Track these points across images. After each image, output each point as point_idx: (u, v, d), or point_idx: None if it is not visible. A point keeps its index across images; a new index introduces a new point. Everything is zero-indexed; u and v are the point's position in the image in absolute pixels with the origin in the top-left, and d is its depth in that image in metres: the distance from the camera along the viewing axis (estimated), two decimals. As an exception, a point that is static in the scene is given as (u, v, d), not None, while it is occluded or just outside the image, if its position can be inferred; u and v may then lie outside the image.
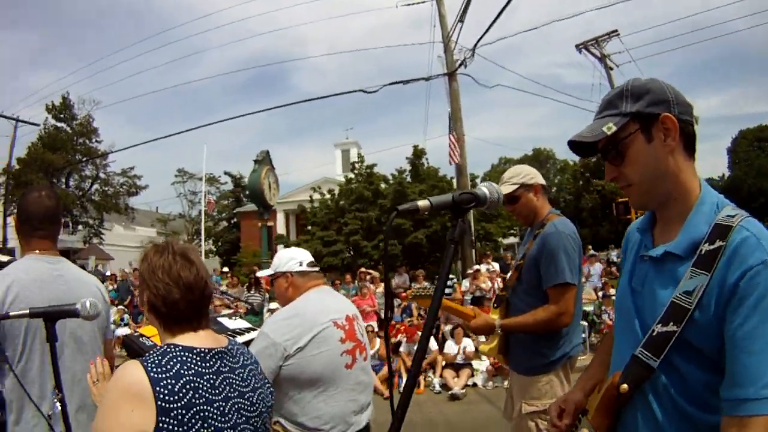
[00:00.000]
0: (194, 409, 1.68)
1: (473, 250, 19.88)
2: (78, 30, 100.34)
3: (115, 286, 19.65)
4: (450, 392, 9.97)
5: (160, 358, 1.72)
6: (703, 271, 1.46)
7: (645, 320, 1.61)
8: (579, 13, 30.28)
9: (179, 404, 1.65)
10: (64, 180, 39.86)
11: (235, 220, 47.60)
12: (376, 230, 24.77)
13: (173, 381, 1.67)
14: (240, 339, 3.73)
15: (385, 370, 10.69)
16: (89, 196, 41.08)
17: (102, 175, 42.21)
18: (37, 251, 2.89)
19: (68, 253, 30.94)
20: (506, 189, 3.46)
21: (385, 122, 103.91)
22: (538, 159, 63.26)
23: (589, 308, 12.95)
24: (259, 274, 3.75)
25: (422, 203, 1.54)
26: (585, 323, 12.39)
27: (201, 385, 1.74)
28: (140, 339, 3.26)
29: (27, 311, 2.21)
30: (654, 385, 1.55)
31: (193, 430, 1.67)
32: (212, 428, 1.72)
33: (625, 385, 1.59)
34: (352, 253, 24.98)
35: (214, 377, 1.81)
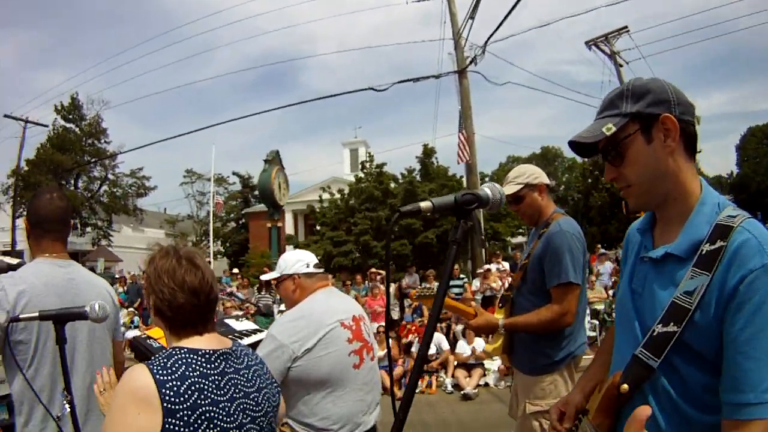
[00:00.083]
0: (200, 410, 1.71)
1: (483, 250, 19.80)
2: (86, 30, 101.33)
3: (125, 288, 19.69)
4: (462, 392, 10.00)
5: (165, 360, 1.76)
6: (703, 272, 1.46)
7: (645, 321, 1.61)
8: (591, 9, 30.11)
9: (185, 405, 1.68)
10: (72, 181, 39.97)
11: (244, 220, 47.84)
12: (386, 230, 24.81)
13: (179, 383, 1.71)
14: (247, 340, 3.80)
15: (398, 370, 10.74)
16: (98, 198, 41.18)
17: (111, 177, 42.37)
18: (48, 254, 2.89)
19: (77, 256, 31.10)
20: (511, 189, 3.49)
21: (393, 121, 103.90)
22: (547, 157, 63.17)
23: (600, 307, 12.96)
24: (264, 277, 3.68)
25: (424, 204, 1.57)
26: (596, 321, 12.40)
27: (206, 386, 1.77)
28: (147, 341, 3.30)
29: (37, 314, 2.24)
30: (654, 385, 1.56)
31: (200, 430, 1.70)
32: (218, 428, 1.74)
33: (625, 386, 1.59)
34: (359, 253, 24.94)
35: (219, 378, 1.84)
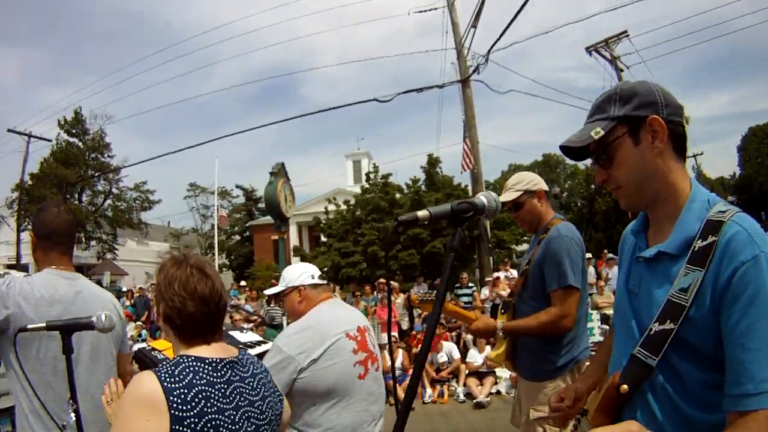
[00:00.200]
0: (206, 418, 1.75)
1: (490, 258, 19.80)
2: (89, 46, 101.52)
3: (132, 301, 19.67)
4: (475, 401, 9.98)
5: (173, 368, 1.79)
6: (697, 268, 1.49)
7: (642, 321, 1.64)
8: (591, 16, 30.18)
9: (192, 413, 1.72)
10: (77, 195, 39.98)
11: (248, 233, 47.85)
12: (395, 241, 24.77)
13: (186, 390, 1.74)
14: (251, 352, 3.80)
15: (408, 380, 10.66)
16: (102, 212, 41.21)
17: (115, 190, 42.45)
18: (55, 267, 2.95)
19: (82, 269, 31.00)
20: (510, 196, 3.54)
21: (395, 132, 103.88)
22: (549, 164, 63.10)
23: (610, 311, 12.90)
24: (268, 292, 3.65)
25: (422, 213, 1.61)
26: (606, 326, 12.37)
27: (213, 395, 1.81)
28: (152, 353, 3.35)
29: (44, 324, 2.32)
30: (653, 384, 1.58)
31: None
32: None
33: (625, 386, 1.61)
34: (367, 264, 24.92)
35: (225, 386, 1.88)
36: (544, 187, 3.61)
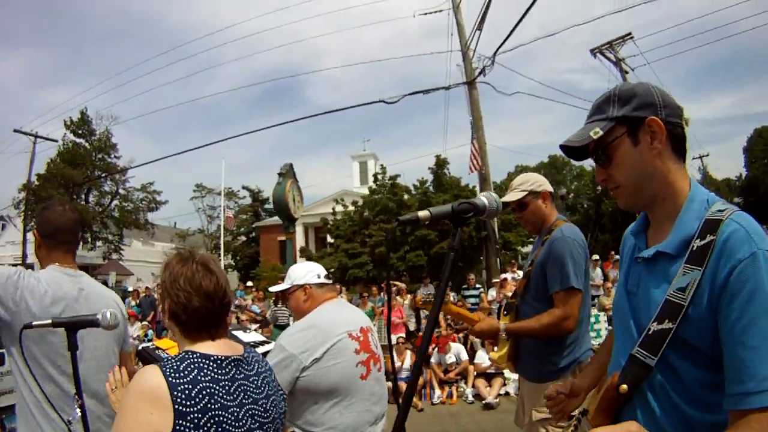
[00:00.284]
0: (209, 414, 1.78)
1: (498, 260, 19.81)
2: (93, 47, 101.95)
3: (138, 301, 19.69)
4: (483, 402, 9.99)
5: (178, 363, 1.83)
6: (695, 267, 1.50)
7: (640, 320, 1.65)
8: (596, 18, 30.09)
9: (195, 408, 1.75)
10: (83, 196, 40.05)
11: (254, 234, 47.92)
12: (401, 241, 24.78)
13: (190, 386, 1.78)
14: None
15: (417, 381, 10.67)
16: (109, 212, 41.27)
17: (121, 191, 42.52)
18: (58, 264, 2.99)
19: (87, 269, 31.08)
20: (515, 196, 3.56)
21: (400, 133, 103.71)
22: (555, 165, 62.93)
23: (617, 313, 12.89)
24: (274, 288, 3.70)
25: (422, 214, 1.63)
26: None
27: (217, 391, 1.84)
28: (156, 351, 3.36)
29: (50, 321, 2.34)
30: (652, 384, 1.59)
31: None
32: None
33: (624, 386, 1.62)
34: (374, 265, 24.93)
35: (230, 384, 1.91)
36: (549, 188, 3.63)
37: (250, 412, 1.92)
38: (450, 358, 11.26)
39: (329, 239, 30.46)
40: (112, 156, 41.75)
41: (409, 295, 14.96)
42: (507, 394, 10.35)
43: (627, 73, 24.08)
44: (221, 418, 1.80)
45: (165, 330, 14.80)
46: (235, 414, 1.86)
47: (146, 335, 15.93)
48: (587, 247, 3.43)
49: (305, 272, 3.31)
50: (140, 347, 3.68)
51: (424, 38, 77.21)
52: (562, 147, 1.80)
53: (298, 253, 29.28)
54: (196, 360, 1.86)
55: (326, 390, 2.93)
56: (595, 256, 16.82)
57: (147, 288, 21.88)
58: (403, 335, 12.34)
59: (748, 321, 1.38)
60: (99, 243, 41.13)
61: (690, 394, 1.52)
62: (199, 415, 1.74)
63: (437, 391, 10.72)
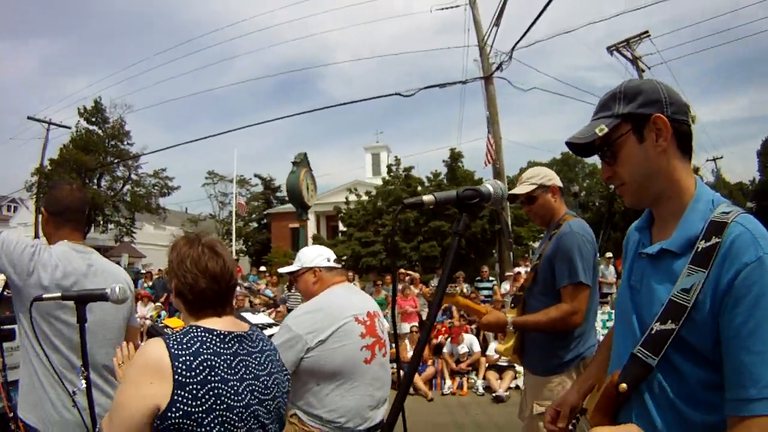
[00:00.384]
0: (208, 386, 1.82)
1: (511, 253, 19.82)
2: (110, 38, 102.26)
3: (151, 283, 19.80)
4: (494, 394, 9.98)
5: (182, 336, 1.88)
6: (700, 269, 1.49)
7: (643, 318, 1.65)
8: (613, 16, 29.90)
9: (195, 380, 1.79)
10: (96, 180, 40.12)
11: (265, 221, 48.03)
12: (414, 231, 24.79)
13: (191, 358, 1.82)
14: None
15: (429, 371, 10.79)
16: (121, 197, 41.33)
17: (134, 176, 42.54)
18: (67, 240, 3.06)
19: (100, 251, 30.93)
20: (525, 189, 3.57)
21: (414, 127, 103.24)
22: (567, 162, 62.40)
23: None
24: (283, 270, 3.73)
25: (427, 198, 1.65)
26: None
27: (218, 365, 1.88)
28: (165, 329, 3.39)
29: (59, 294, 2.42)
30: (650, 384, 1.59)
31: (206, 405, 1.80)
32: (225, 405, 1.84)
33: (624, 385, 1.62)
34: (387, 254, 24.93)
35: (231, 358, 1.95)
36: (559, 183, 3.63)
37: (250, 388, 1.96)
38: (462, 349, 11.27)
39: (341, 227, 30.42)
40: (125, 143, 41.83)
41: (422, 285, 14.99)
42: (518, 387, 10.25)
43: (643, 71, 23.83)
44: (220, 391, 1.84)
45: (178, 312, 14.89)
46: (235, 388, 1.90)
47: (159, 316, 16.07)
48: (596, 242, 3.44)
49: (315, 255, 3.36)
50: (150, 325, 3.75)
51: (436, 33, 76.79)
52: (568, 143, 1.80)
53: (310, 241, 29.32)
54: (199, 333, 1.92)
55: (330, 372, 2.97)
56: (609, 254, 16.70)
57: (160, 270, 22.00)
58: (417, 324, 12.36)
59: (753, 325, 1.38)
60: (111, 226, 41.28)
61: (690, 394, 1.51)
62: (198, 386, 1.79)
63: (448, 382, 10.74)
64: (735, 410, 1.39)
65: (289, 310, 13.03)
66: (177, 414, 1.75)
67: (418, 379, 10.51)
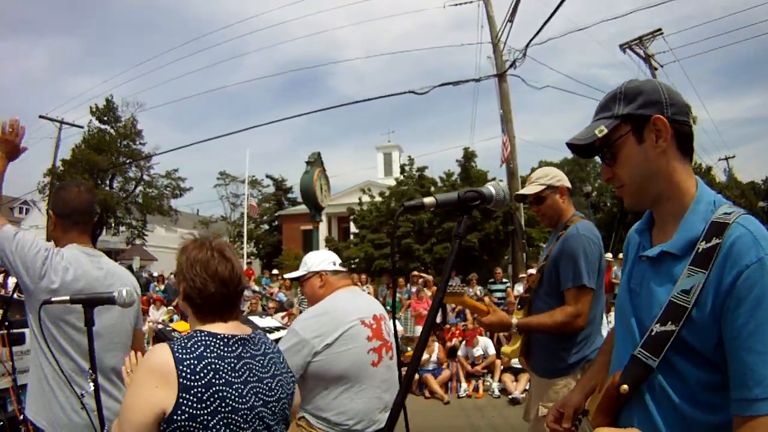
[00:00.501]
0: (213, 389, 1.86)
1: (524, 254, 19.76)
2: (121, 36, 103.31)
3: (164, 287, 19.84)
4: (510, 396, 10.03)
5: (186, 341, 1.92)
6: (700, 270, 1.50)
7: (643, 320, 1.66)
8: (626, 14, 29.87)
9: (200, 383, 1.84)
10: (108, 181, 40.27)
11: (277, 223, 48.12)
12: (428, 233, 24.78)
13: (196, 362, 1.86)
14: (270, 337, 3.96)
15: (444, 374, 10.78)
16: (133, 198, 41.52)
17: (146, 177, 42.74)
18: (76, 244, 3.09)
19: (110, 254, 31.23)
20: (533, 189, 3.60)
21: (425, 125, 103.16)
22: (579, 162, 62.44)
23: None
24: (289, 276, 3.77)
25: (428, 200, 1.66)
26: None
27: (222, 368, 1.92)
28: (172, 333, 3.49)
29: (68, 298, 2.45)
30: (651, 385, 1.60)
31: (211, 408, 1.84)
32: (229, 408, 1.88)
33: (625, 386, 1.63)
34: (401, 256, 24.92)
35: (235, 361, 1.98)
36: (567, 183, 3.65)
37: (254, 390, 1.99)
38: (477, 352, 11.27)
39: (353, 229, 30.47)
40: (137, 143, 42.04)
41: (435, 288, 14.94)
42: (533, 389, 10.31)
43: (656, 69, 23.85)
44: (225, 394, 1.88)
45: (189, 315, 14.93)
46: (239, 390, 1.93)
47: (171, 320, 16.11)
48: (602, 244, 3.45)
49: (321, 259, 3.40)
50: (157, 329, 3.75)
51: (447, 30, 76.88)
52: (569, 144, 1.81)
53: (323, 243, 29.32)
54: (203, 338, 1.95)
55: (337, 375, 3.00)
56: (621, 255, 16.66)
57: (172, 273, 22.04)
58: (432, 327, 12.33)
59: (755, 326, 1.38)
60: (122, 228, 41.54)
61: (690, 394, 1.52)
62: (203, 390, 1.83)
63: (463, 385, 10.78)
64: (740, 410, 1.41)
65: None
66: (183, 417, 1.79)
67: (434, 383, 10.58)
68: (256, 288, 19.05)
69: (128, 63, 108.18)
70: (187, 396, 1.80)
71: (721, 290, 1.45)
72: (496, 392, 10.44)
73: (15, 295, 3.13)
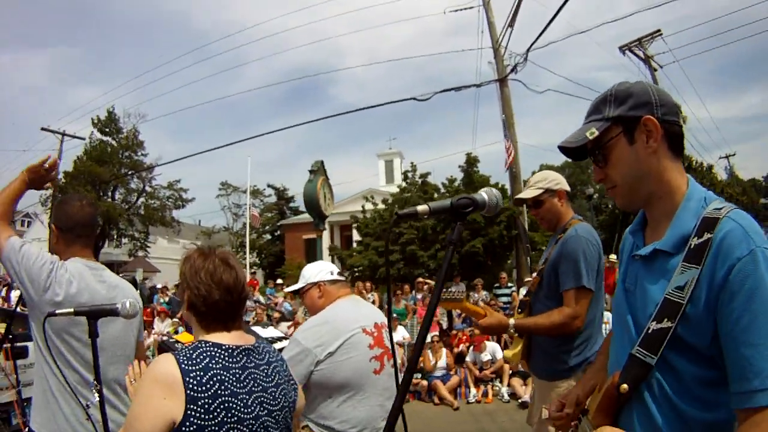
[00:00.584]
0: (219, 400, 1.89)
1: (528, 258, 19.74)
2: (122, 47, 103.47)
3: (168, 299, 19.81)
4: (519, 400, 10.03)
5: (191, 352, 1.95)
6: (693, 265, 1.53)
7: (638, 318, 1.68)
8: (626, 16, 29.98)
9: (206, 394, 1.87)
10: (110, 193, 40.31)
11: (279, 232, 48.11)
12: (432, 239, 24.75)
13: (202, 373, 1.89)
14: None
15: (453, 380, 10.75)
16: (136, 210, 41.59)
17: (148, 188, 42.80)
18: (78, 257, 3.11)
19: (113, 266, 31.33)
20: (532, 193, 3.64)
21: (426, 131, 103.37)
22: (580, 165, 62.52)
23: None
24: (288, 289, 3.86)
25: (421, 208, 1.68)
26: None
27: (227, 378, 1.95)
28: (176, 345, 3.49)
29: (72, 310, 2.46)
30: (650, 383, 1.62)
31: (218, 418, 1.87)
32: (235, 418, 1.91)
33: (625, 385, 1.65)
34: (405, 263, 24.89)
35: (240, 372, 2.01)
36: (566, 187, 3.69)
37: (259, 400, 2.02)
38: (485, 357, 11.32)
39: (356, 237, 30.45)
40: (139, 154, 42.17)
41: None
42: (543, 392, 10.27)
43: (656, 70, 23.89)
44: (231, 404, 1.91)
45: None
46: (245, 401, 1.96)
47: (176, 331, 16.10)
48: (602, 246, 3.47)
49: (318, 270, 3.43)
50: (161, 340, 3.73)
51: (447, 36, 77.12)
52: (560, 147, 1.85)
53: (326, 252, 29.24)
54: (208, 348, 1.99)
55: (339, 384, 3.02)
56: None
57: (176, 284, 22.02)
58: (437, 333, 12.29)
59: (749, 319, 1.40)
60: (125, 240, 41.59)
61: (689, 391, 1.54)
62: (210, 401, 1.86)
63: (473, 390, 10.80)
64: (740, 403, 1.42)
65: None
66: (191, 428, 1.82)
67: (443, 389, 10.61)
68: (261, 299, 19.06)
69: (130, 74, 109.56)
70: (195, 407, 1.83)
71: (714, 285, 1.47)
72: (506, 396, 10.46)
73: (18, 309, 3.10)
